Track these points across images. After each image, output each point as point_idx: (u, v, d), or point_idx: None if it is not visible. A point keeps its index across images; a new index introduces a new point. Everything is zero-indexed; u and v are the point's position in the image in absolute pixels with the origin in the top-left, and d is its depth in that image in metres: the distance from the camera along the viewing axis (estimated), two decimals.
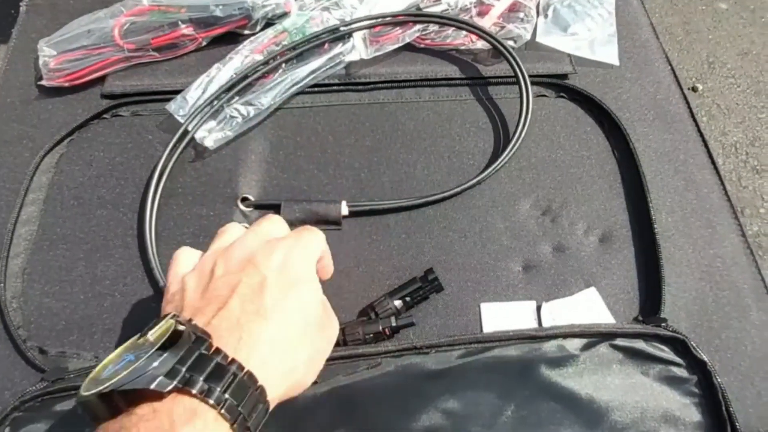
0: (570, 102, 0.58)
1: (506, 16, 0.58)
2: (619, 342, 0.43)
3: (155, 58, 0.57)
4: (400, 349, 0.43)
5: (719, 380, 0.42)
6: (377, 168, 0.54)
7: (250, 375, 0.30)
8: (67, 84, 0.56)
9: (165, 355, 0.29)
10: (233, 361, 0.30)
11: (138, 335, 0.31)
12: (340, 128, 0.56)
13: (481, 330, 0.46)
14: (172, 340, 0.30)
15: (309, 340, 0.35)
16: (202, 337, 0.31)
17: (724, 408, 0.41)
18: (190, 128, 0.52)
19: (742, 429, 0.41)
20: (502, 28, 0.57)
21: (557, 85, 0.59)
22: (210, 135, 0.52)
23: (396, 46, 0.57)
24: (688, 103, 0.59)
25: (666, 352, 0.43)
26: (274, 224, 0.39)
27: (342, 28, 0.56)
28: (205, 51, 0.59)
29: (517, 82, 0.55)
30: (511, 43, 0.58)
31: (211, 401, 0.28)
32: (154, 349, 0.29)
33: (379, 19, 0.56)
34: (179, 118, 0.53)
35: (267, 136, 0.55)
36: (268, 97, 0.54)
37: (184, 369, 0.29)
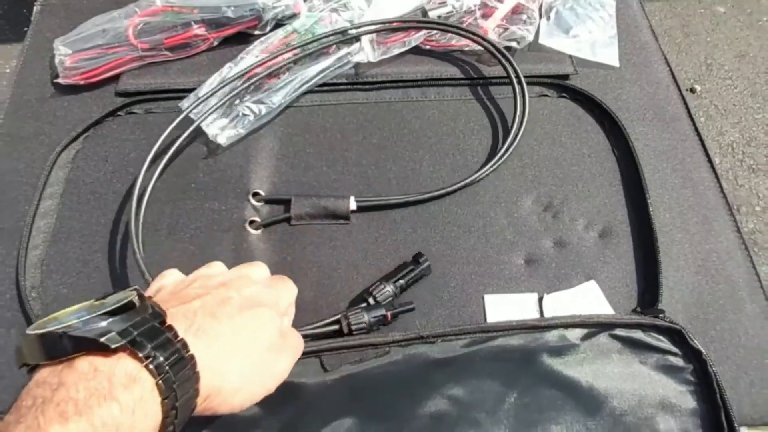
0: (571, 102, 0.60)
1: (509, 18, 0.60)
2: (618, 332, 0.45)
3: (168, 58, 0.59)
4: (407, 339, 0.44)
5: (714, 369, 0.43)
6: (384, 164, 0.55)
7: (191, 357, 0.31)
8: (82, 82, 0.57)
9: (119, 317, 0.30)
10: (181, 340, 0.31)
11: (96, 298, 0.32)
12: (348, 126, 0.57)
13: (485, 320, 0.48)
14: (129, 309, 0.31)
15: (253, 358, 0.35)
16: (157, 312, 0.32)
17: (718, 396, 0.43)
18: (198, 124, 0.54)
19: (735, 416, 0.42)
20: (506, 29, 0.59)
21: (559, 85, 0.60)
22: (223, 132, 0.54)
23: (402, 49, 0.59)
24: (686, 103, 0.61)
25: (663, 342, 0.44)
26: (257, 268, 0.41)
27: (351, 31, 0.57)
28: (216, 51, 0.60)
29: (511, 84, 0.56)
30: (514, 44, 0.59)
31: (152, 367, 0.29)
32: (109, 309, 0.30)
33: (380, 25, 0.58)
34: (192, 116, 0.54)
35: (277, 134, 0.57)
36: (278, 95, 0.55)
37: (135, 332, 0.29)
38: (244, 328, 0.35)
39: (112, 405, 0.27)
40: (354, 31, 0.57)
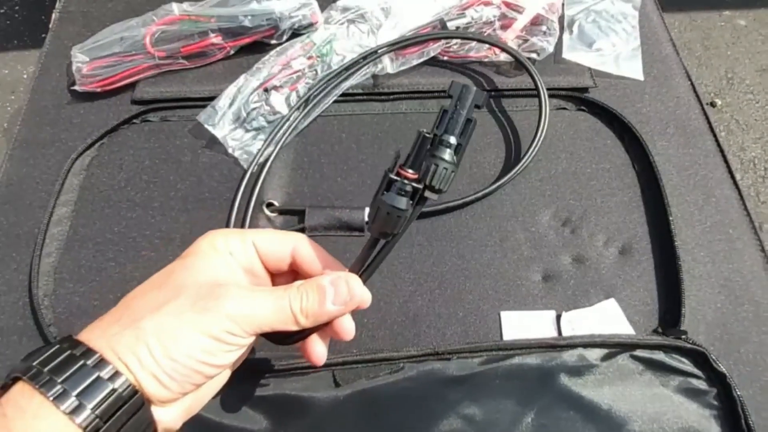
0: (590, 115, 0.59)
1: (529, 29, 0.59)
2: (640, 353, 0.43)
3: (185, 66, 0.59)
4: (422, 354, 0.43)
5: (739, 393, 0.42)
6: None
7: (67, 339, 0.29)
8: (99, 89, 0.58)
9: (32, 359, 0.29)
10: (67, 338, 0.29)
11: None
12: (363, 137, 0.57)
13: (501, 338, 0.47)
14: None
15: (150, 296, 0.31)
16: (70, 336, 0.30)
17: (743, 421, 0.41)
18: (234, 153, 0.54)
19: None
20: (525, 41, 0.58)
21: (578, 98, 0.59)
22: (240, 147, 0.54)
23: (420, 60, 0.58)
24: (707, 118, 0.59)
25: (686, 365, 0.43)
26: None
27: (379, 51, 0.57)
28: (233, 59, 0.60)
29: (538, 95, 0.55)
30: (534, 55, 0.58)
31: (21, 374, 0.27)
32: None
33: (409, 40, 0.58)
34: (209, 128, 0.54)
35: (292, 144, 0.56)
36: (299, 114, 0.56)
37: (22, 364, 0.28)
38: (142, 288, 0.32)
39: None
40: (383, 50, 0.57)
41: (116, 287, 0.49)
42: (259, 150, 0.53)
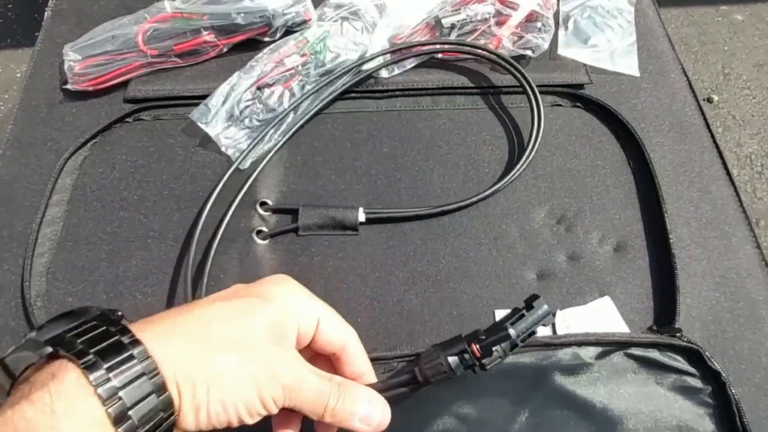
0: (585, 112, 0.59)
1: (524, 25, 0.59)
2: (634, 351, 0.43)
3: (177, 64, 0.58)
4: (416, 354, 0.43)
5: (733, 391, 0.42)
6: (394, 175, 0.54)
7: (136, 342, 0.28)
8: (91, 88, 0.57)
9: (56, 323, 0.29)
10: (125, 329, 0.29)
11: None
12: (357, 135, 0.57)
13: None
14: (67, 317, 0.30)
15: (230, 340, 0.31)
16: (105, 313, 0.30)
17: (738, 419, 0.41)
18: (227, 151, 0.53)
19: None
20: (520, 38, 0.58)
21: (573, 95, 0.59)
22: (234, 146, 0.53)
23: (415, 63, 0.58)
24: (703, 113, 0.59)
25: (680, 362, 0.43)
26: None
27: (364, 67, 0.57)
28: (226, 57, 0.60)
29: (527, 96, 0.55)
30: (529, 52, 0.58)
31: (77, 360, 0.26)
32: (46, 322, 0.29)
33: (392, 55, 0.58)
34: (202, 126, 0.54)
35: (285, 142, 0.56)
36: (292, 115, 0.56)
37: (68, 335, 0.28)
38: (223, 310, 0.32)
39: (25, 407, 0.25)
40: (368, 66, 0.57)
41: (109, 287, 0.48)
42: (248, 146, 0.53)
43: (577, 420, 0.41)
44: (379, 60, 0.58)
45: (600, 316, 0.47)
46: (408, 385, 0.38)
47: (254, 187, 0.53)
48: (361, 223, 0.51)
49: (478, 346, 0.37)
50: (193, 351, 0.30)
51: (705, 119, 0.59)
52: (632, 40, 0.62)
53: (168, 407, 0.28)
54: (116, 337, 0.28)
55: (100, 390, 0.26)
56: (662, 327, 0.46)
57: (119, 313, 0.31)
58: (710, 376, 0.43)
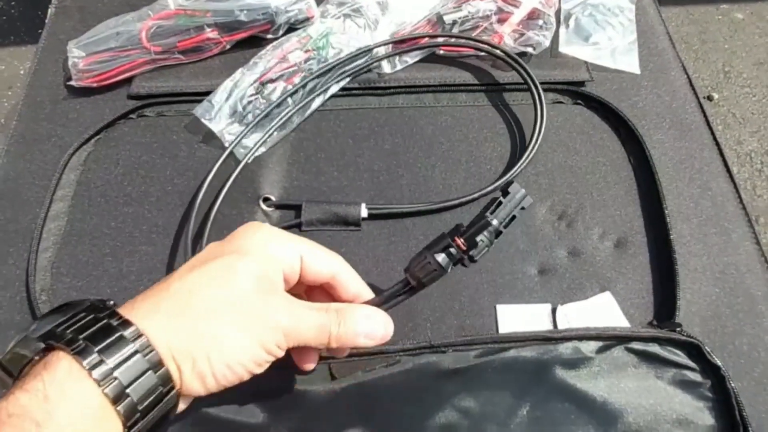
0: (586, 109, 0.59)
1: (525, 23, 0.59)
2: (634, 345, 0.44)
3: (180, 61, 0.59)
4: (418, 347, 0.44)
5: (733, 385, 0.42)
6: (396, 171, 0.55)
7: (125, 323, 0.28)
8: (95, 84, 0.57)
9: (47, 319, 0.29)
10: (113, 313, 0.29)
11: None
12: (359, 131, 0.57)
13: (497, 331, 0.47)
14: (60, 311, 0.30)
15: (217, 305, 0.31)
16: (94, 303, 0.30)
17: (737, 412, 0.41)
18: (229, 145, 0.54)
19: None
20: (522, 35, 0.58)
21: (574, 92, 0.59)
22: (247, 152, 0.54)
23: (417, 58, 0.58)
24: (704, 111, 0.59)
25: (680, 357, 0.43)
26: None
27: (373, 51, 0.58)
28: (228, 54, 0.60)
29: (530, 93, 0.55)
30: (530, 49, 0.58)
31: (68, 348, 0.27)
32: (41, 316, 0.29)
33: (394, 46, 0.59)
34: (206, 122, 0.54)
35: (288, 138, 0.56)
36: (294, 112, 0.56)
37: (58, 329, 0.28)
38: (204, 275, 0.32)
39: (19, 396, 0.26)
40: (378, 48, 0.58)
41: (113, 282, 0.49)
42: (242, 133, 0.53)
43: (578, 413, 0.42)
44: (382, 53, 0.58)
45: (600, 311, 0.47)
46: (403, 293, 0.39)
47: (257, 183, 0.53)
48: (364, 219, 0.51)
49: (462, 239, 0.38)
50: (183, 323, 0.30)
51: (705, 117, 0.59)
52: (633, 38, 0.63)
53: (167, 382, 0.29)
54: (104, 321, 0.28)
55: (93, 373, 0.27)
56: (662, 322, 0.46)
57: (111, 302, 0.31)
58: (710, 370, 0.43)
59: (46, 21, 0.65)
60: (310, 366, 0.39)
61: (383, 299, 0.38)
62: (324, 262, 0.37)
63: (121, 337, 0.28)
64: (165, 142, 0.56)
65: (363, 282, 0.39)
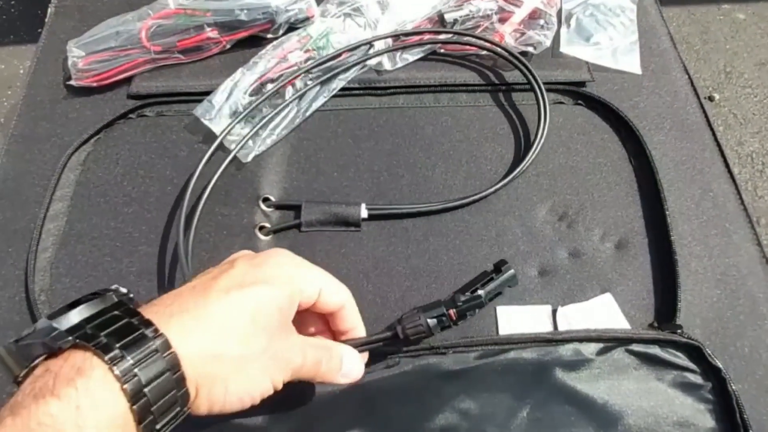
0: (587, 109, 0.59)
1: (527, 22, 0.59)
2: (635, 347, 0.43)
3: (180, 60, 0.59)
4: (418, 349, 0.43)
5: (734, 387, 0.42)
6: (396, 171, 0.55)
7: (156, 333, 0.28)
8: (95, 84, 0.57)
9: (75, 311, 0.29)
10: (148, 322, 0.29)
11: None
12: (360, 132, 0.57)
13: (497, 332, 0.47)
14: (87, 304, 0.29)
15: (249, 337, 0.32)
16: (122, 301, 0.30)
17: (738, 415, 0.41)
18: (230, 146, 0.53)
19: None
20: (523, 34, 0.58)
21: (575, 92, 0.59)
22: (240, 144, 0.54)
23: (418, 56, 0.58)
24: (705, 112, 0.59)
25: (681, 359, 0.43)
26: (279, 252, 0.39)
27: (370, 55, 0.58)
28: (228, 54, 0.60)
29: (534, 92, 0.55)
30: (531, 49, 0.58)
31: (100, 353, 0.26)
32: (65, 308, 0.29)
33: (396, 40, 0.58)
34: (206, 122, 0.54)
35: (288, 138, 0.56)
36: (294, 111, 0.56)
37: (88, 325, 0.27)
38: (238, 304, 0.32)
39: (50, 402, 0.25)
40: (378, 41, 0.57)
41: (112, 283, 0.47)
42: (247, 135, 0.53)
43: (578, 415, 0.41)
44: (383, 47, 0.58)
45: (601, 312, 0.47)
46: (388, 340, 0.42)
47: (257, 183, 0.53)
48: (364, 219, 0.51)
49: (455, 310, 0.42)
50: (213, 349, 0.31)
51: (706, 117, 0.59)
52: (634, 39, 0.62)
53: (185, 402, 0.29)
54: (140, 331, 0.28)
55: (126, 386, 0.26)
56: (663, 324, 0.46)
57: (131, 296, 0.32)
58: (711, 372, 0.43)
59: (46, 20, 0.65)
60: None
61: (368, 342, 0.41)
62: (338, 296, 0.39)
63: (155, 350, 0.28)
64: (165, 142, 0.56)
65: (360, 317, 0.41)
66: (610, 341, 0.44)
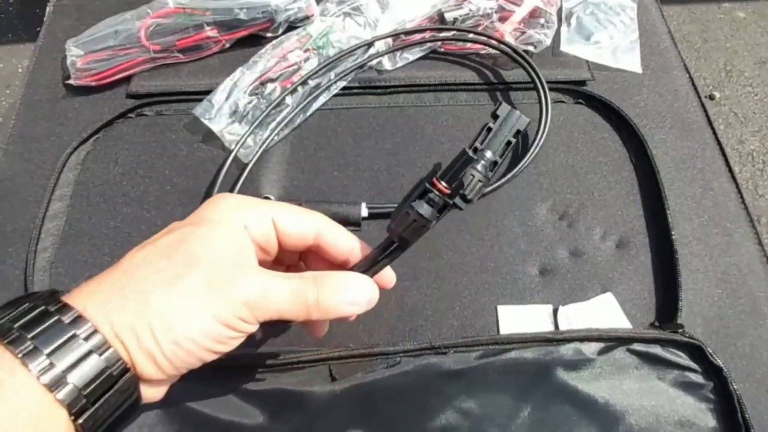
0: (588, 108, 0.59)
1: (527, 21, 0.59)
2: (636, 347, 0.43)
3: (180, 60, 0.58)
4: (419, 349, 0.43)
5: (735, 387, 0.42)
6: (396, 170, 0.54)
7: (59, 304, 0.27)
8: (93, 83, 0.57)
9: None
10: (53, 300, 0.27)
11: None
12: (359, 131, 0.57)
13: (498, 332, 0.47)
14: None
15: (171, 279, 0.29)
16: (42, 293, 0.28)
17: (739, 414, 0.41)
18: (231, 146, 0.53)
19: None
20: (523, 33, 0.58)
21: (575, 91, 0.59)
22: (239, 143, 0.53)
23: (418, 55, 0.58)
24: (705, 111, 0.59)
25: (682, 358, 0.43)
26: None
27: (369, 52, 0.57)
28: (228, 53, 0.60)
29: (536, 90, 0.55)
30: (531, 48, 0.58)
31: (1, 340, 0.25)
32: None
33: (398, 39, 0.58)
34: (205, 122, 0.54)
35: (288, 138, 0.56)
36: (296, 109, 0.56)
37: (16, 326, 0.26)
38: (160, 251, 0.30)
39: None
40: (372, 51, 0.57)
41: None
42: (245, 133, 0.53)
43: (579, 415, 0.41)
44: (384, 47, 0.58)
45: (602, 312, 0.47)
46: (388, 254, 0.35)
47: (257, 182, 0.53)
48: (364, 219, 0.51)
49: (442, 182, 0.32)
50: (126, 299, 0.28)
51: (707, 116, 0.59)
52: (635, 37, 0.62)
53: (114, 363, 0.27)
54: (42, 308, 0.27)
55: (28, 362, 0.25)
56: (664, 323, 0.46)
57: (63, 292, 0.29)
58: (712, 371, 0.43)
59: (45, 19, 0.65)
60: (321, 331, 0.38)
61: (367, 264, 0.36)
62: (302, 222, 0.34)
63: (58, 321, 0.26)
64: (164, 142, 0.56)
65: (355, 237, 0.37)
66: (612, 341, 0.44)
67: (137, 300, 0.28)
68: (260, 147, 0.53)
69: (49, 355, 0.25)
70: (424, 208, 0.32)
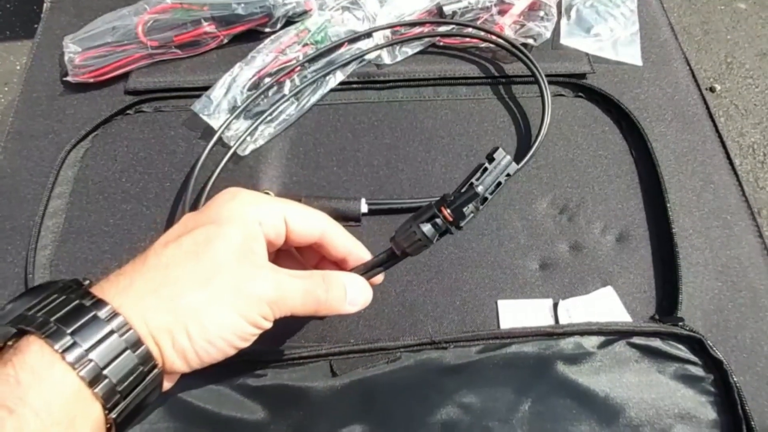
0: (588, 102, 0.59)
1: (526, 14, 0.59)
2: (636, 340, 0.43)
3: (178, 56, 0.58)
4: (419, 344, 0.43)
5: (735, 380, 0.42)
6: (396, 165, 0.54)
7: (93, 299, 0.28)
8: (91, 80, 0.57)
9: (18, 302, 0.28)
10: (86, 293, 0.28)
11: None
12: (359, 126, 0.56)
13: (499, 326, 0.47)
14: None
15: (200, 279, 0.30)
16: (68, 284, 0.29)
17: (739, 407, 0.41)
18: (230, 142, 0.53)
19: (757, 428, 0.41)
20: (522, 26, 0.58)
21: (575, 84, 0.59)
22: (239, 139, 0.53)
23: (418, 49, 0.58)
24: (706, 103, 0.59)
25: (682, 351, 0.43)
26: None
27: (368, 45, 0.57)
28: (226, 48, 0.59)
29: (537, 84, 0.55)
30: (531, 41, 0.58)
31: (35, 329, 0.26)
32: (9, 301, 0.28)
33: (403, 25, 0.58)
34: (204, 118, 0.54)
35: (287, 133, 0.56)
36: (294, 105, 0.56)
37: (30, 312, 0.27)
38: (186, 249, 0.31)
39: None
40: (371, 44, 0.57)
41: None
42: (246, 131, 0.53)
43: (580, 409, 0.41)
44: (382, 41, 0.57)
45: (602, 305, 0.47)
46: (388, 262, 0.39)
47: (256, 178, 0.53)
48: (364, 214, 0.51)
49: (449, 210, 0.37)
50: (160, 299, 0.29)
51: (707, 109, 0.59)
52: (635, 30, 0.62)
53: (147, 360, 0.28)
54: (77, 302, 0.28)
55: (67, 356, 0.26)
56: (664, 316, 0.46)
57: (87, 281, 0.31)
58: (712, 364, 0.43)
59: (42, 16, 0.65)
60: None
61: (368, 267, 0.39)
62: (310, 221, 0.37)
63: (95, 317, 0.27)
64: (163, 138, 0.55)
65: (353, 238, 0.40)
66: (612, 334, 0.44)
67: (173, 302, 0.29)
68: (258, 142, 0.53)
69: (88, 350, 0.26)
70: (429, 230, 0.37)
